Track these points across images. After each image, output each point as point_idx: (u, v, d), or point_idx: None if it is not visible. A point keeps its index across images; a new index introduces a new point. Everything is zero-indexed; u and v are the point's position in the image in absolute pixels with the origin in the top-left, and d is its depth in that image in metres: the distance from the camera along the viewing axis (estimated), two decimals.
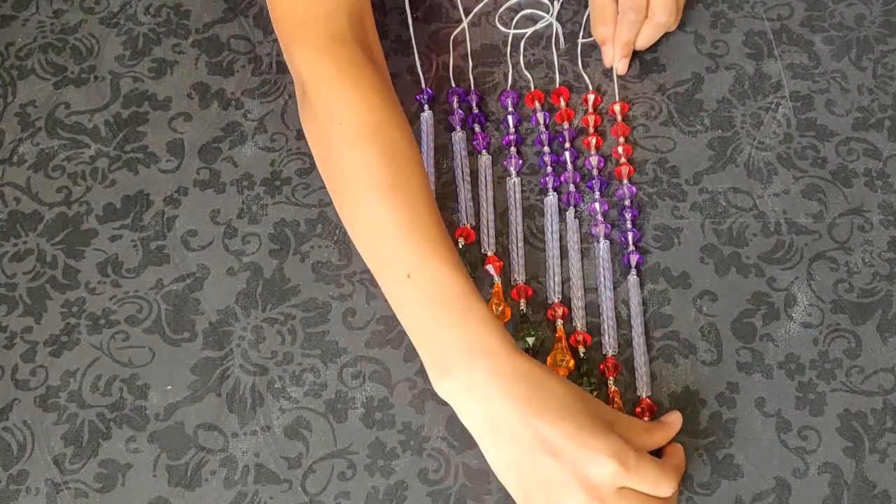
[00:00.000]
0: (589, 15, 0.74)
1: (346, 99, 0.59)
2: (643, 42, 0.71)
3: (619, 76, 0.72)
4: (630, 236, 0.65)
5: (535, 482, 0.52)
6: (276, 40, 0.74)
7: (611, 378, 0.61)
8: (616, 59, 0.71)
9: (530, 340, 0.61)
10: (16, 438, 0.60)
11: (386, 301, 0.63)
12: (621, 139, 0.69)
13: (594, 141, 0.69)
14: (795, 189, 0.67)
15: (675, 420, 0.58)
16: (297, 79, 0.63)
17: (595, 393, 0.60)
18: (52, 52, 0.74)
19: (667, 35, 0.74)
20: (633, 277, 0.63)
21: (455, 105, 0.70)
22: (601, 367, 0.61)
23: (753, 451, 0.59)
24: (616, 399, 0.60)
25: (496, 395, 0.52)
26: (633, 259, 0.64)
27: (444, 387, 0.54)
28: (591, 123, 0.70)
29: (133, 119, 0.71)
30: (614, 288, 0.64)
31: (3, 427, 0.60)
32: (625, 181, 0.67)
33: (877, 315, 0.63)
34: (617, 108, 0.70)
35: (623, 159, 0.68)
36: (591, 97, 0.71)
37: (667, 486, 0.52)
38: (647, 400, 0.60)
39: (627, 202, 0.66)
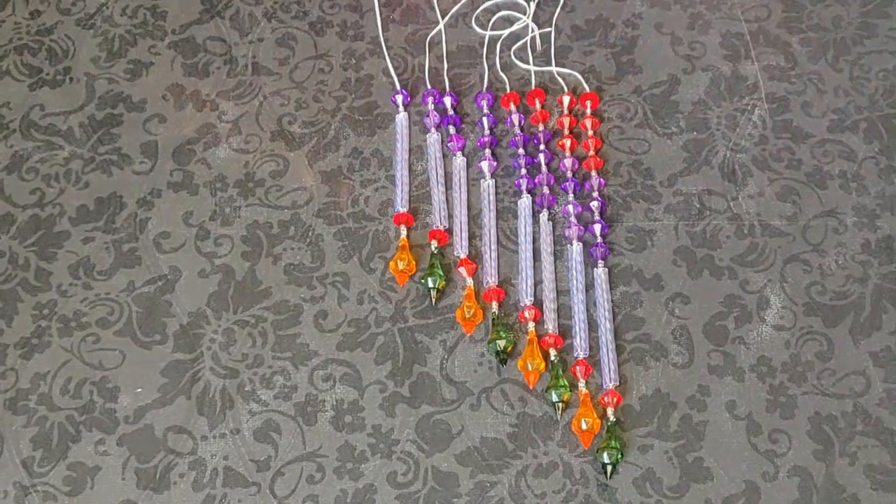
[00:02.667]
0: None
1: None
2: None
3: (595, 76, 0.72)
4: (598, 228, 0.65)
5: None
6: (251, 42, 0.74)
7: (582, 381, 0.60)
8: None
9: (501, 343, 0.61)
10: None
11: (358, 303, 0.63)
12: (590, 132, 0.69)
13: (568, 143, 0.69)
14: (770, 191, 0.67)
15: None
16: None
17: (567, 395, 0.60)
18: (28, 54, 0.74)
19: (643, 37, 0.74)
20: (600, 270, 0.63)
21: (430, 107, 0.70)
22: (572, 369, 0.61)
23: (723, 455, 0.58)
24: (587, 402, 0.60)
25: None
26: (600, 251, 0.64)
27: None
28: (566, 125, 0.70)
29: (108, 121, 0.71)
30: (586, 290, 0.64)
31: None
32: (593, 173, 0.67)
33: (849, 318, 0.63)
34: (588, 101, 0.70)
35: (591, 151, 0.68)
36: (566, 99, 0.71)
37: None
38: (614, 391, 0.60)
39: (596, 193, 0.66)
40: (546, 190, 0.67)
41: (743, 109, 0.71)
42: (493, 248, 0.65)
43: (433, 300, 0.63)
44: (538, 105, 0.71)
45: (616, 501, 0.57)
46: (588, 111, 0.70)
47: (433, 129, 0.69)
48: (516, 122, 0.70)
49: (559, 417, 0.60)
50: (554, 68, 0.73)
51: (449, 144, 0.69)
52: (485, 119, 0.70)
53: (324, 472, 0.58)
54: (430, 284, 0.63)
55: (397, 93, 0.71)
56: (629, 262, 0.65)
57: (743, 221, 0.66)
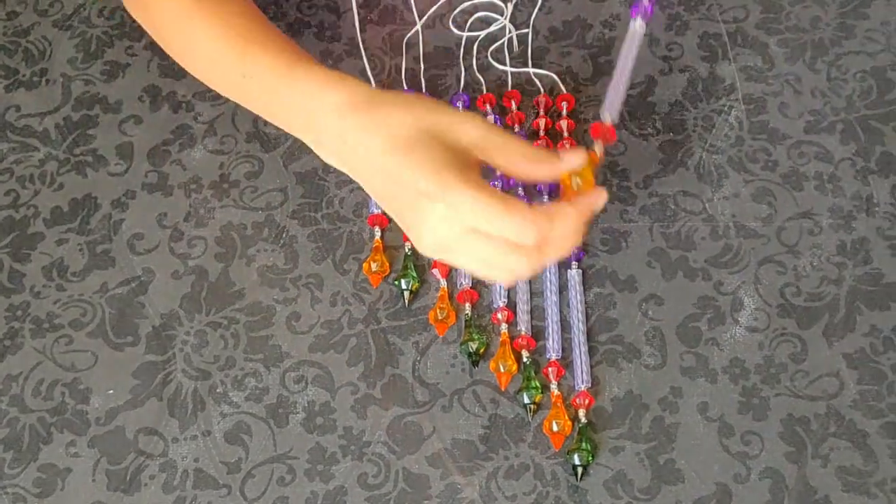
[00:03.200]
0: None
1: None
2: None
3: (572, 77, 0.72)
4: None
5: (402, 192, 0.50)
6: None
7: (554, 382, 0.60)
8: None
9: (473, 345, 0.61)
10: None
11: (331, 305, 0.63)
12: (566, 133, 0.69)
13: (544, 144, 0.68)
14: (745, 192, 0.67)
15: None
16: None
17: (539, 397, 0.60)
18: (4, 55, 0.74)
19: (621, 37, 0.74)
20: (573, 272, 0.63)
21: None
22: (544, 371, 0.61)
23: (695, 457, 0.58)
24: (559, 404, 0.60)
25: (362, 139, 0.51)
26: (574, 253, 0.64)
27: (325, 157, 0.55)
28: (542, 127, 0.69)
29: (83, 122, 0.71)
30: (560, 292, 0.64)
31: None
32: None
33: (823, 319, 0.62)
34: (564, 103, 0.70)
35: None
36: (543, 100, 0.70)
37: (512, 223, 0.49)
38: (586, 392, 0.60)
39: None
40: (521, 191, 0.67)
41: (720, 110, 0.71)
42: None
43: (406, 302, 0.63)
44: (514, 106, 0.70)
45: (587, 503, 0.57)
46: (564, 112, 0.70)
47: None
48: None
49: (531, 419, 0.60)
50: (530, 69, 0.72)
51: None
52: None
53: (294, 473, 0.58)
54: (404, 286, 0.63)
55: None
56: (603, 263, 0.65)
57: (718, 223, 0.66)
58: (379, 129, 0.51)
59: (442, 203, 0.48)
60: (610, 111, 0.59)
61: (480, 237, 0.49)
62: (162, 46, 0.63)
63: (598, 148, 0.57)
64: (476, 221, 0.48)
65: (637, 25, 0.62)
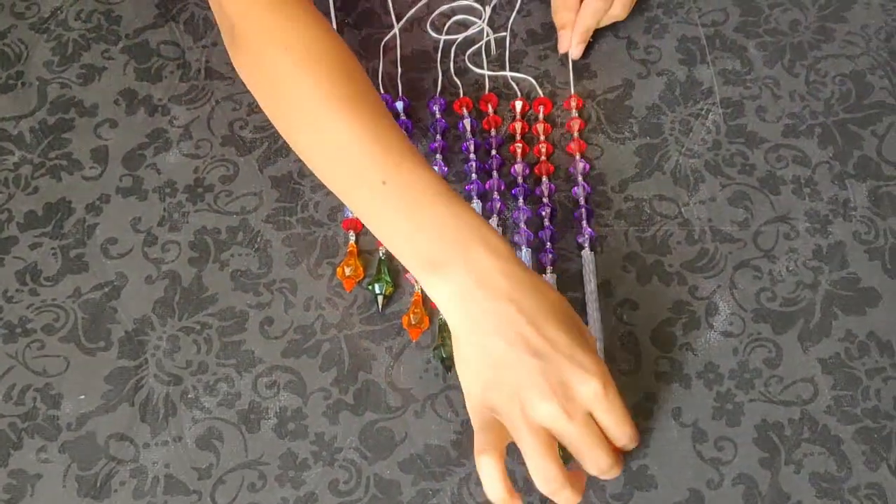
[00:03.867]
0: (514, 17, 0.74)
1: (289, 27, 0.59)
2: (591, 28, 0.71)
3: (549, 81, 0.72)
4: (547, 233, 0.64)
5: (507, 380, 0.51)
6: (205, 46, 0.74)
7: None
8: (574, 45, 0.71)
9: (446, 350, 0.61)
10: None
11: (305, 310, 0.63)
12: (542, 137, 0.68)
13: (520, 148, 0.68)
14: (722, 196, 0.67)
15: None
16: (225, 20, 0.61)
17: None
18: None
19: (599, 41, 0.74)
20: (548, 276, 0.63)
21: None
22: None
23: (668, 462, 0.58)
24: None
25: (487, 292, 0.51)
26: (549, 257, 0.63)
27: (435, 288, 0.53)
28: (518, 130, 0.69)
29: (59, 126, 0.71)
30: None
31: None
32: (544, 178, 0.67)
33: (798, 324, 0.62)
34: (541, 106, 0.70)
35: (543, 156, 0.68)
36: (519, 104, 0.70)
37: (627, 433, 0.52)
38: None
39: (546, 199, 0.66)
40: (496, 195, 0.67)
41: (697, 114, 0.71)
42: None
43: (380, 306, 0.63)
44: (491, 110, 0.70)
45: None
46: (541, 116, 0.70)
47: None
48: (468, 127, 0.69)
49: None
50: (508, 73, 0.72)
51: None
52: (437, 124, 0.69)
53: (265, 479, 0.58)
54: (377, 290, 0.63)
55: None
56: (578, 268, 0.64)
57: (693, 227, 0.66)
58: (538, 287, 0.52)
59: (597, 381, 0.51)
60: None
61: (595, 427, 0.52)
62: (285, 136, 0.60)
63: None
64: (603, 414, 0.52)
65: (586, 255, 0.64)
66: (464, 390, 0.53)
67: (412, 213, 0.53)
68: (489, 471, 0.51)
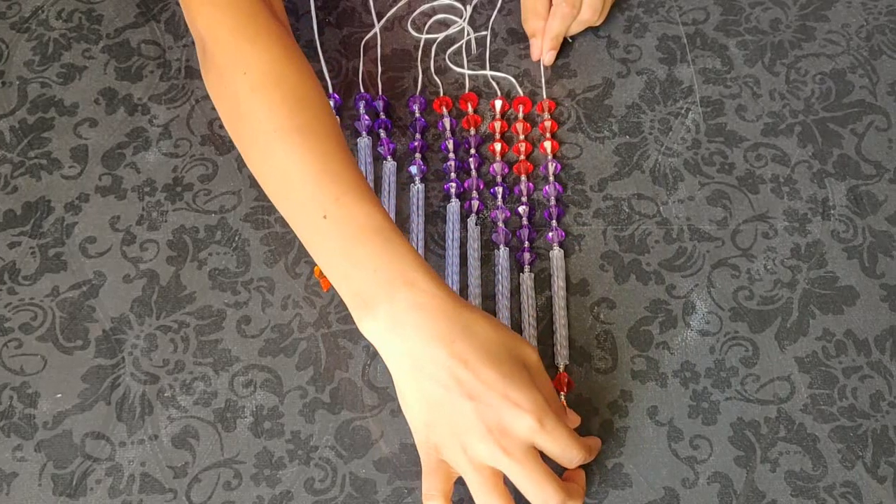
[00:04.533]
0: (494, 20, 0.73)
1: (248, 49, 0.59)
2: (561, 34, 0.71)
3: (526, 80, 0.72)
4: (525, 233, 0.64)
5: (445, 421, 0.51)
6: (185, 45, 0.74)
7: None
8: (545, 52, 0.71)
9: None
10: None
11: (282, 309, 0.63)
12: (521, 136, 0.68)
13: (499, 147, 0.68)
14: (700, 195, 0.67)
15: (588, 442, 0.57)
16: (198, 37, 0.62)
17: None
18: None
19: (579, 40, 0.74)
20: (526, 275, 0.63)
21: (361, 110, 0.70)
22: None
23: (643, 461, 0.58)
24: None
25: (417, 332, 0.51)
26: (527, 257, 0.63)
27: (365, 326, 0.53)
28: (498, 129, 0.69)
29: (39, 125, 0.71)
30: (512, 295, 0.63)
31: None
32: (523, 177, 0.67)
33: (776, 323, 0.62)
34: (521, 105, 0.70)
35: (522, 156, 0.68)
36: (499, 103, 0.70)
37: (575, 456, 0.52)
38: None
39: (525, 198, 0.66)
40: (475, 194, 0.67)
41: (677, 113, 0.71)
42: (419, 252, 0.65)
43: None
44: (471, 109, 0.70)
45: None
46: (520, 115, 0.70)
47: (364, 133, 0.69)
48: (447, 126, 0.69)
49: None
50: (488, 72, 0.72)
51: (379, 149, 0.69)
52: (416, 123, 0.69)
53: (241, 478, 0.58)
54: None
55: (329, 96, 0.70)
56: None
57: (672, 226, 0.66)
58: (472, 325, 0.52)
59: (531, 416, 0.50)
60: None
61: (536, 462, 0.52)
62: (242, 152, 0.60)
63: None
64: (545, 444, 0.52)
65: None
66: (411, 428, 0.54)
67: (348, 250, 0.53)
68: None
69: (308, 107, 0.57)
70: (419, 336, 0.51)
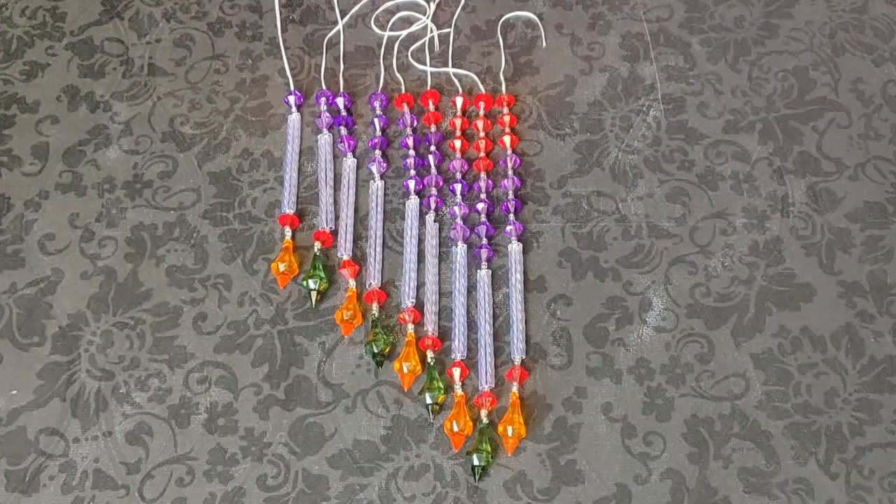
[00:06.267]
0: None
1: None
2: None
3: (488, 77, 0.72)
4: (483, 229, 0.64)
5: None
6: (149, 43, 0.74)
7: (458, 383, 0.60)
8: None
9: (378, 346, 0.61)
10: None
11: (239, 305, 0.63)
12: (482, 133, 0.68)
13: (459, 144, 0.68)
14: (660, 193, 0.67)
15: None
16: None
17: (442, 397, 0.60)
18: None
19: (544, 38, 0.74)
20: (483, 272, 0.63)
21: (322, 108, 0.70)
22: (449, 371, 0.61)
23: (596, 457, 0.58)
24: (462, 404, 0.59)
25: None
26: (484, 253, 0.63)
27: None
28: (458, 126, 0.69)
29: (0, 122, 0.70)
30: (469, 292, 0.63)
31: None
32: (482, 174, 0.67)
33: (732, 320, 0.62)
34: (481, 103, 0.70)
35: (482, 153, 0.68)
36: (460, 100, 0.70)
37: None
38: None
39: (484, 195, 0.66)
40: (434, 191, 0.67)
41: (638, 110, 0.71)
42: (377, 250, 0.65)
43: (314, 302, 0.63)
44: (432, 106, 0.70)
45: None
46: (481, 112, 0.70)
47: (325, 130, 0.69)
48: (408, 123, 0.69)
49: (433, 419, 0.59)
50: (450, 69, 0.72)
51: (340, 146, 0.69)
52: (376, 120, 0.69)
53: (193, 474, 0.58)
54: (311, 286, 0.63)
55: (290, 93, 0.70)
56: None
57: (630, 223, 0.66)
58: None
59: None
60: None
61: None
62: None
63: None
64: None
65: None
66: None
67: None
68: None
69: None
70: None
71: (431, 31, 0.74)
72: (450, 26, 0.74)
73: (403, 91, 0.71)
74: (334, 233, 0.66)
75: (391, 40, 0.74)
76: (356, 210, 0.67)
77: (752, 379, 0.60)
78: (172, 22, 0.75)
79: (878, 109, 0.70)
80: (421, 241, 0.65)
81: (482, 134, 0.69)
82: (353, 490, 0.57)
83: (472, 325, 0.62)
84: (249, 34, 0.74)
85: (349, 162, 0.68)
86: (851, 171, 0.68)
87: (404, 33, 0.74)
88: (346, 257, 0.64)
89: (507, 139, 0.68)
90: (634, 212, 0.66)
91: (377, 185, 0.67)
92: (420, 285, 0.64)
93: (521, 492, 0.57)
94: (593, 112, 0.70)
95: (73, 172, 0.68)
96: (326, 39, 0.74)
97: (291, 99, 0.70)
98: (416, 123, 0.70)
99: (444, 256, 0.65)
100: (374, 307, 0.63)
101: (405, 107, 0.70)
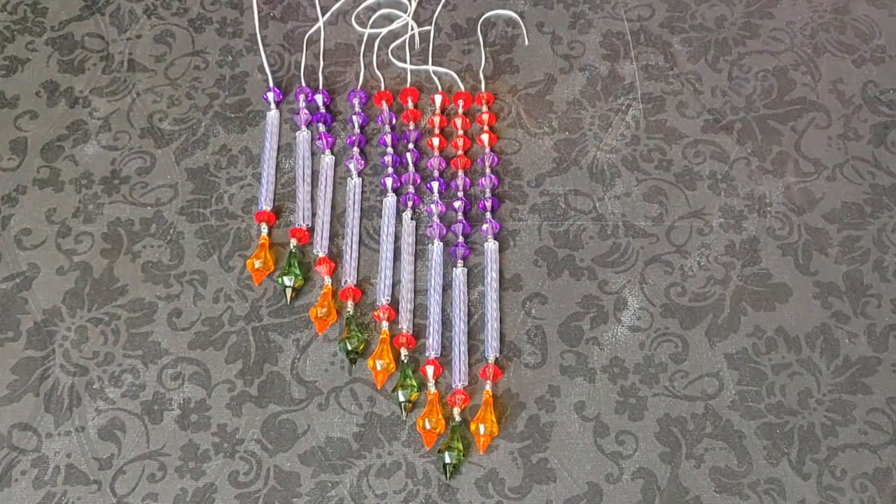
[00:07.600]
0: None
1: None
2: None
3: (468, 76, 0.72)
4: (460, 227, 0.64)
5: None
6: (129, 38, 0.74)
7: (431, 381, 0.60)
8: None
9: (352, 343, 0.61)
10: None
11: (214, 302, 0.63)
12: (460, 131, 0.68)
13: (437, 142, 0.68)
14: (637, 192, 0.67)
15: None
16: None
17: (415, 395, 0.60)
18: None
19: (524, 36, 0.74)
20: (458, 270, 0.63)
21: (301, 104, 0.70)
22: (422, 369, 0.61)
23: (568, 456, 0.58)
24: (434, 402, 0.59)
25: None
26: (460, 251, 0.63)
27: None
28: (437, 124, 0.69)
29: None
30: (444, 290, 0.63)
31: None
32: (460, 172, 0.67)
33: (707, 319, 0.62)
34: (460, 101, 0.70)
35: (460, 151, 0.68)
36: (439, 98, 0.70)
37: None
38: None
39: (461, 193, 0.66)
40: (411, 189, 0.67)
41: (617, 109, 0.70)
42: (353, 247, 0.65)
43: (289, 299, 0.63)
44: (410, 104, 0.70)
45: (456, 502, 0.57)
46: (460, 110, 0.70)
47: (303, 127, 0.69)
48: (386, 121, 0.69)
49: (405, 417, 0.59)
50: (430, 67, 0.72)
51: (318, 142, 0.69)
52: (355, 117, 0.69)
53: (165, 470, 0.58)
54: (287, 283, 0.63)
55: (269, 90, 0.70)
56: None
57: (607, 222, 0.66)
58: None
59: None
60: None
61: None
62: None
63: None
64: None
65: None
66: None
67: None
68: None
69: None
70: None
71: (412, 29, 0.74)
72: (430, 24, 0.74)
73: (383, 88, 0.71)
74: (311, 230, 0.66)
75: (371, 38, 0.74)
76: (333, 207, 0.67)
77: (726, 379, 0.60)
78: (153, 18, 0.75)
79: (857, 110, 0.70)
80: (397, 238, 0.65)
81: (460, 132, 0.69)
82: (325, 487, 0.57)
83: (446, 323, 0.62)
84: (230, 31, 0.74)
85: (327, 159, 0.68)
86: (830, 171, 0.68)
87: (385, 31, 0.74)
88: (321, 254, 0.64)
89: (485, 137, 0.68)
90: (611, 211, 0.66)
91: (355, 182, 0.67)
92: (395, 283, 0.64)
93: (493, 490, 0.57)
94: (572, 111, 0.70)
95: (51, 168, 0.68)
96: (307, 36, 0.74)
97: (270, 95, 0.70)
98: (394, 121, 0.70)
99: (420, 254, 0.65)
100: (349, 304, 0.63)
101: (384, 104, 0.70)
